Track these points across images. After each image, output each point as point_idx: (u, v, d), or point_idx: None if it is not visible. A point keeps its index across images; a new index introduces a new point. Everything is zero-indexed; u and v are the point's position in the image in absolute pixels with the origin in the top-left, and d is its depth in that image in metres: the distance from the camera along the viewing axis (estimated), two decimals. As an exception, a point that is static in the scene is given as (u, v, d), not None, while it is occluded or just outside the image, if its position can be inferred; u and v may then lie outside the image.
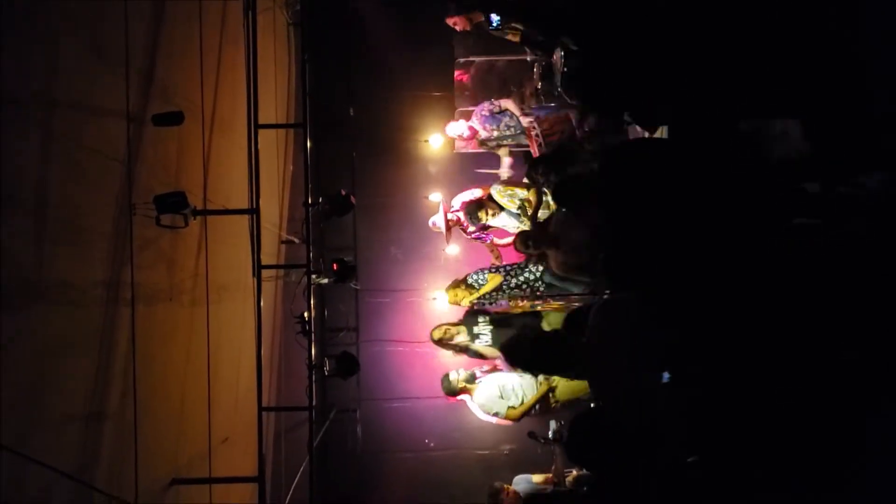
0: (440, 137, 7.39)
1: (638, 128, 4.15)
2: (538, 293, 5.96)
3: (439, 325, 6.23)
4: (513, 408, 5.73)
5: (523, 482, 5.79)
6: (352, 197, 5.31)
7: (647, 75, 3.13)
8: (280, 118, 6.50)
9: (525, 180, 6.24)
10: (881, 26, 2.62)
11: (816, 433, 2.36)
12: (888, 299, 2.35)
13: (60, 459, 2.86)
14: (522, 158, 6.92)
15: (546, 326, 5.86)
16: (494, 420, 5.93)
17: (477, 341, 6.13)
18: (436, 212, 6.92)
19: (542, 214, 6.01)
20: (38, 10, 2.83)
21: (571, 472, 5.71)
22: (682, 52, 3.00)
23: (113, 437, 3.34)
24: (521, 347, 3.72)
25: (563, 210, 5.35)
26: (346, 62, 7.97)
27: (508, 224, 6.51)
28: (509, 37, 6.19)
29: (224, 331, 4.71)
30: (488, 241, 6.87)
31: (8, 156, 2.57)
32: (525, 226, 6.20)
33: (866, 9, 2.66)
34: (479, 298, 6.11)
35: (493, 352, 6.14)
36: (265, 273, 4.37)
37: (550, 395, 5.67)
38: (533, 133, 6.25)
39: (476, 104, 6.92)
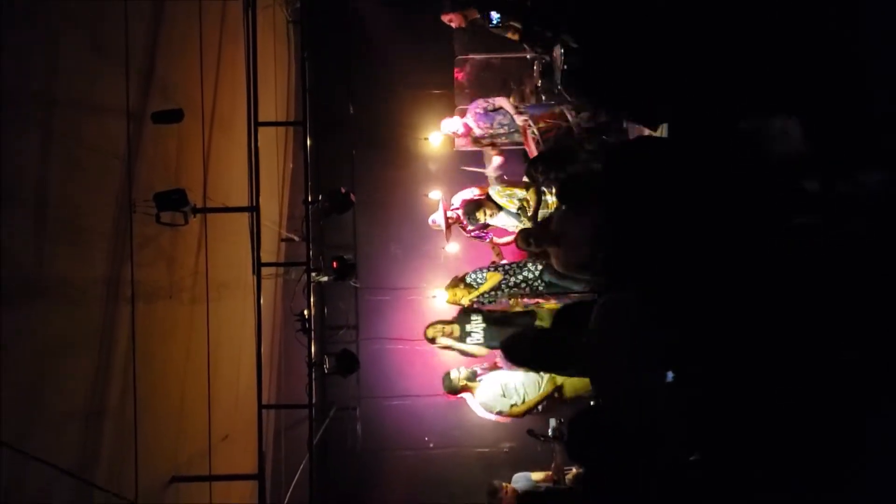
0: (440, 135, 7.39)
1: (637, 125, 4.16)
2: (537, 292, 5.96)
3: (433, 324, 6.23)
4: (515, 405, 5.73)
5: (523, 480, 5.80)
6: (352, 195, 5.30)
7: (647, 73, 3.13)
8: (280, 116, 6.50)
9: (525, 179, 6.23)
10: (881, 26, 2.61)
11: (816, 433, 2.37)
12: (888, 299, 2.35)
13: (61, 457, 2.87)
14: (522, 157, 6.90)
15: (541, 325, 5.86)
16: (494, 417, 5.93)
17: (468, 339, 6.11)
18: (436, 210, 6.92)
19: (542, 214, 6.00)
20: (38, 10, 2.83)
21: (571, 469, 5.72)
22: (683, 50, 3.00)
23: (113, 434, 3.35)
24: (521, 345, 3.72)
25: (565, 207, 5.35)
26: (345, 60, 7.97)
27: (508, 223, 6.50)
28: (509, 35, 6.18)
29: (224, 328, 4.72)
30: (488, 240, 6.87)
31: (8, 154, 2.58)
32: (525, 225, 6.19)
33: (866, 9, 2.66)
34: (478, 297, 6.12)
35: (482, 350, 6.14)
36: (265, 271, 4.37)
37: (556, 394, 5.68)
38: (529, 131, 6.23)
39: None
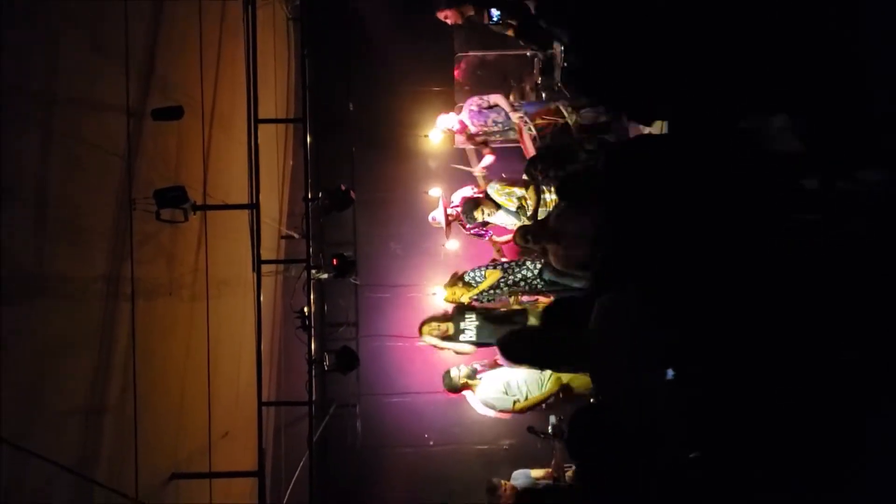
0: (439, 132, 7.38)
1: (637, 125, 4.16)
2: (536, 290, 5.96)
3: (427, 321, 6.23)
4: (518, 401, 5.75)
5: (522, 477, 5.80)
6: (351, 192, 5.31)
7: (647, 72, 3.13)
8: (280, 113, 6.50)
9: (524, 177, 6.22)
10: (881, 26, 2.61)
11: (817, 433, 2.37)
12: (888, 299, 2.36)
13: (61, 454, 2.86)
14: (517, 155, 6.88)
15: (532, 322, 5.85)
16: (494, 414, 5.94)
17: (461, 336, 6.11)
18: (435, 207, 6.92)
19: (541, 212, 6.00)
20: (38, 10, 2.83)
21: (571, 467, 5.72)
22: (683, 48, 2.99)
23: (113, 431, 3.35)
24: (519, 343, 3.72)
25: (564, 205, 5.34)
26: (345, 57, 7.95)
27: (507, 222, 6.49)
28: (509, 32, 6.17)
29: (224, 326, 4.72)
30: (487, 238, 6.87)
31: (8, 153, 2.57)
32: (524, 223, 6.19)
33: (866, 9, 2.66)
34: (477, 295, 6.12)
35: (472, 348, 6.13)
36: (265, 268, 4.37)
37: (561, 393, 5.69)
38: (525, 129, 6.21)
39: (476, 99, 6.89)
